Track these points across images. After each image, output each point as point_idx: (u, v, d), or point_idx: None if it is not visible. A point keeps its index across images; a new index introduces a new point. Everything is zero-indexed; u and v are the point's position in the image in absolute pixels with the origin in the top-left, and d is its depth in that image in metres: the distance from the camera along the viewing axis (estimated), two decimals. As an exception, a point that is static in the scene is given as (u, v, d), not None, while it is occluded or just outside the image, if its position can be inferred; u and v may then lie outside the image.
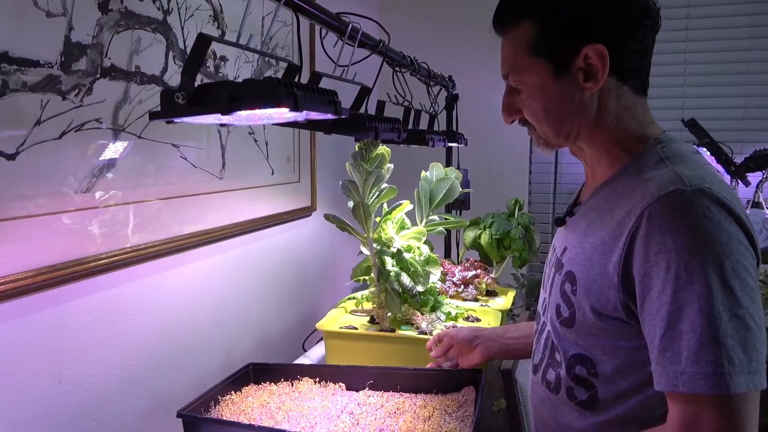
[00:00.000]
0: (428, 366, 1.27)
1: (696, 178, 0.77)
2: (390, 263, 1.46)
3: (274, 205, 1.83)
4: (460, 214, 2.09)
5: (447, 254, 2.21)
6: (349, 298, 1.68)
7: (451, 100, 2.08)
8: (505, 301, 1.76)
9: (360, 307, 1.64)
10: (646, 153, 0.87)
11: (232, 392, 1.32)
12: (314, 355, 1.74)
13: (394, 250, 1.43)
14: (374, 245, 1.44)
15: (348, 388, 1.35)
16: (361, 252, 1.57)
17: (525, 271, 2.58)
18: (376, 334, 1.46)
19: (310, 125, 1.09)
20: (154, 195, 1.32)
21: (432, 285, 1.52)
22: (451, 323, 1.51)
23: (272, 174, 1.82)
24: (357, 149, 1.38)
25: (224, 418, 1.21)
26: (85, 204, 1.14)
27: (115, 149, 1.21)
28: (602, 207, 0.89)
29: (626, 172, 0.88)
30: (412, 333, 1.45)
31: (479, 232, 1.91)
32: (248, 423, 1.16)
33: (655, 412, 0.80)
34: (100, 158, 1.18)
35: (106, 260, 1.19)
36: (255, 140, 1.73)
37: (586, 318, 0.86)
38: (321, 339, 1.87)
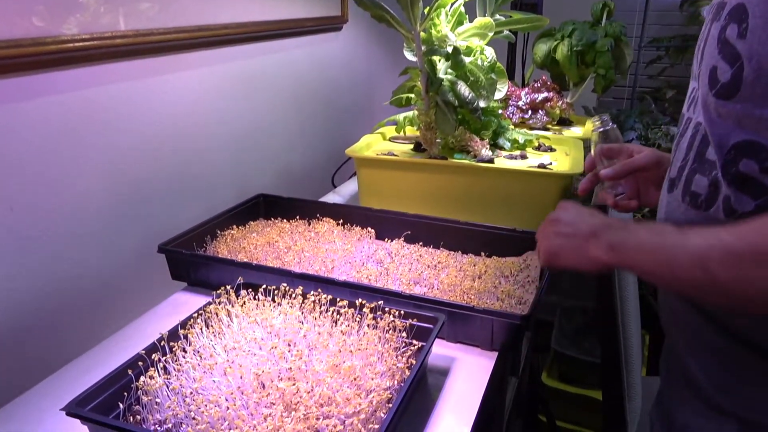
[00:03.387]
0: (581, 187, 0.85)
1: None
2: (443, 69, 1.09)
3: (293, 8, 1.44)
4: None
5: (510, 76, 1.79)
6: (389, 121, 1.33)
7: None
8: (582, 131, 1.39)
9: (402, 133, 1.30)
10: None
11: (234, 227, 1.06)
12: (345, 191, 1.46)
13: (449, 50, 1.05)
14: (422, 45, 1.06)
15: (378, 237, 1.07)
16: (405, 71, 1.20)
17: (596, 105, 2.18)
18: (422, 161, 1.14)
19: None
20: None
21: (495, 104, 1.16)
22: (517, 153, 1.17)
23: (288, -35, 1.41)
24: None
25: (218, 255, 0.96)
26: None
27: None
28: None
29: None
30: (468, 161, 1.12)
31: (555, 43, 1.49)
32: (244, 261, 0.89)
33: None
34: None
35: (53, 47, 0.86)
36: None
37: (764, 69, 0.51)
38: (354, 174, 1.59)
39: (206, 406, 0.57)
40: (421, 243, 1.04)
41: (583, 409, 1.85)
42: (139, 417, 0.60)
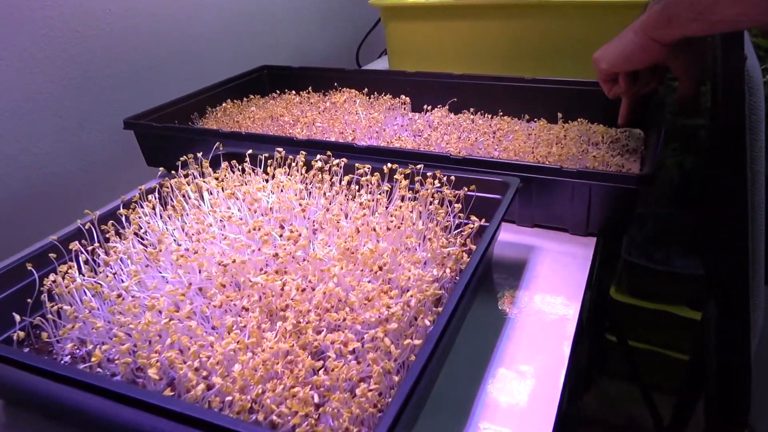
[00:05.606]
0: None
1: None
2: None
3: None
4: None
5: None
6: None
7: None
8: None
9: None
10: None
11: (229, 101, 0.82)
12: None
13: None
14: None
15: (414, 110, 0.81)
16: None
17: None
18: (471, 1, 0.85)
19: None
20: None
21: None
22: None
23: None
24: None
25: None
26: None
27: None
28: None
29: None
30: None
31: None
32: (231, 131, 0.65)
33: None
34: None
35: None
36: None
37: None
38: (383, 52, 1.31)
39: (136, 314, 0.35)
40: (471, 110, 0.77)
41: (656, 327, 1.62)
42: (45, 336, 0.39)
